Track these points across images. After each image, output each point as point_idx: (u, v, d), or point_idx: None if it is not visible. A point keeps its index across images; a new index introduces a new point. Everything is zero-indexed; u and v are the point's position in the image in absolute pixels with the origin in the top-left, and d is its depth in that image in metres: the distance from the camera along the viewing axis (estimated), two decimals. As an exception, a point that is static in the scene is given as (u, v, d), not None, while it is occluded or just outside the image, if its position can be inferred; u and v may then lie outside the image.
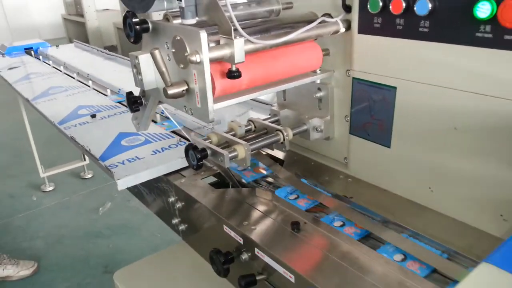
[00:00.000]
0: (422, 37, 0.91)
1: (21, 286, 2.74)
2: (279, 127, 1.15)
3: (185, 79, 0.93)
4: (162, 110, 1.71)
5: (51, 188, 3.85)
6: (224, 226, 1.04)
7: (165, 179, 1.30)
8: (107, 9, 8.11)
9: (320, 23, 1.05)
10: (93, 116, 1.83)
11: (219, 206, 1.11)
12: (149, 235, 3.13)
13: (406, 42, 0.95)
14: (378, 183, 1.15)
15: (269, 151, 1.38)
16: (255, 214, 1.06)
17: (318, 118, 1.21)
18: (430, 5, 0.87)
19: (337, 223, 1.01)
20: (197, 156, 1.05)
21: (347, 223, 1.00)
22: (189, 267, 1.28)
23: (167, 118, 1.66)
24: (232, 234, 1.02)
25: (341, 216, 1.02)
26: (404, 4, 0.91)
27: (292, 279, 0.86)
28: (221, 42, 0.90)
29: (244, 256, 0.98)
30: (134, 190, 1.54)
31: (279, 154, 1.38)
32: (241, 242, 0.99)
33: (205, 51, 0.85)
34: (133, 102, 1.14)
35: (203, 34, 0.84)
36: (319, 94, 1.21)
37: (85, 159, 3.86)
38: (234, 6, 1.03)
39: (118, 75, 2.56)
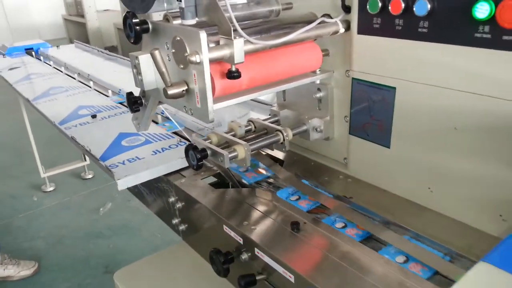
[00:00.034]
0: (421, 37, 0.91)
1: (22, 286, 2.74)
2: (279, 127, 1.16)
3: (185, 80, 0.94)
4: (162, 111, 1.71)
5: (51, 189, 3.85)
6: (224, 226, 1.04)
7: (165, 179, 1.30)
8: (107, 10, 8.12)
9: (319, 23, 1.06)
10: (94, 116, 1.83)
11: (219, 206, 1.11)
12: (149, 235, 3.14)
13: (405, 43, 0.95)
14: (377, 183, 1.15)
15: (269, 152, 1.39)
16: (255, 214, 1.06)
17: (317, 119, 1.22)
18: (429, 6, 0.87)
19: (338, 225, 1.00)
20: (197, 156, 1.05)
21: (348, 224, 1.00)
22: (189, 267, 1.29)
23: (168, 119, 1.66)
24: (232, 234, 1.02)
25: (343, 217, 1.03)
26: (403, 5, 0.91)
27: (292, 279, 0.86)
28: (221, 42, 0.90)
29: (244, 256, 0.99)
30: (135, 190, 1.54)
31: (279, 154, 1.38)
32: (241, 242, 1.00)
33: (204, 51, 0.85)
34: (133, 103, 1.14)
35: (203, 35, 0.84)
36: (318, 95, 1.21)
37: (85, 160, 3.87)
38: (234, 6, 1.04)
39: (119, 76, 2.56)
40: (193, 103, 0.94)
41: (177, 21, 0.94)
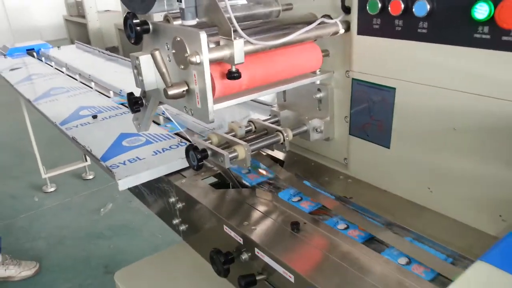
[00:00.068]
0: (421, 38, 0.92)
1: (23, 286, 2.74)
2: (279, 127, 1.16)
3: (185, 80, 0.94)
4: (163, 111, 1.72)
5: (52, 189, 3.86)
6: (224, 226, 1.05)
7: (166, 180, 1.31)
8: (108, 10, 8.14)
9: (319, 24, 1.06)
10: (95, 116, 1.84)
11: (220, 206, 1.11)
12: (150, 235, 3.14)
13: (405, 43, 0.95)
14: (378, 184, 1.15)
15: (270, 152, 1.39)
16: (255, 214, 1.06)
17: (318, 119, 1.22)
18: (428, 6, 0.87)
19: (341, 226, 1.00)
20: (197, 156, 1.05)
21: (351, 226, 1.00)
22: (190, 267, 1.29)
23: (170, 120, 1.66)
24: (232, 234, 1.02)
25: (345, 219, 1.02)
26: (402, 5, 0.92)
27: (292, 279, 0.86)
28: (221, 43, 0.90)
29: (244, 256, 0.99)
30: (135, 191, 1.55)
31: (279, 154, 1.38)
32: (241, 242, 1.00)
33: (205, 52, 0.86)
34: (134, 103, 1.15)
35: (203, 35, 0.85)
36: (319, 95, 1.21)
37: (86, 160, 3.87)
38: (234, 7, 1.04)
39: (120, 76, 2.57)
40: (193, 103, 0.95)
41: (178, 22, 0.95)
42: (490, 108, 0.84)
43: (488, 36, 0.80)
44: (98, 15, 7.84)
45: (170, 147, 1.46)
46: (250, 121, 1.24)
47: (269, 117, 1.33)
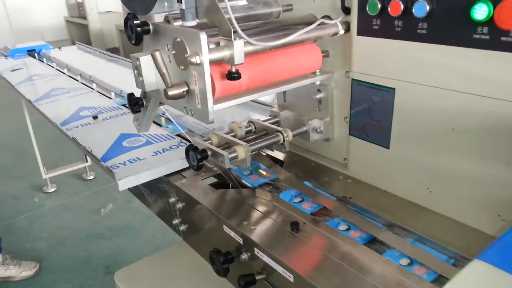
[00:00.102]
0: (420, 38, 0.92)
1: (23, 286, 2.75)
2: (279, 128, 1.16)
3: (186, 80, 0.94)
4: (163, 112, 1.72)
5: (53, 190, 3.86)
6: (224, 226, 1.05)
7: (165, 180, 1.31)
8: (109, 11, 8.15)
9: (319, 25, 1.06)
10: (95, 117, 1.84)
11: (219, 206, 1.11)
12: (150, 236, 3.14)
13: (404, 44, 0.96)
14: (377, 184, 1.15)
15: (269, 152, 1.39)
16: (255, 214, 1.07)
17: (317, 119, 1.22)
18: (428, 7, 0.87)
19: (342, 227, 1.00)
20: (197, 157, 1.06)
21: (352, 227, 1.00)
22: (190, 267, 1.29)
23: (171, 121, 1.66)
24: (232, 234, 1.02)
25: (346, 220, 1.03)
26: (402, 6, 0.92)
27: (291, 279, 0.87)
28: (221, 43, 0.90)
29: (244, 256, 0.99)
30: (135, 191, 1.55)
31: (279, 155, 1.39)
32: (241, 242, 1.00)
33: (205, 52, 0.86)
34: (134, 104, 1.15)
35: (203, 36, 0.85)
36: (318, 96, 1.22)
37: (87, 161, 3.88)
38: (234, 8, 1.04)
39: (120, 77, 2.57)
40: (194, 104, 0.95)
41: (178, 23, 0.95)
42: (489, 109, 0.85)
43: (487, 37, 0.80)
44: (99, 16, 7.86)
45: (170, 147, 1.47)
46: (250, 121, 1.24)
47: (269, 117, 1.33)
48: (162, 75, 0.95)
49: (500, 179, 0.87)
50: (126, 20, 0.96)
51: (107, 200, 3.62)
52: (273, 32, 1.02)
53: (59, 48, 3.76)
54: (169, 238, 2.95)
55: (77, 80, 2.62)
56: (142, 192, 1.50)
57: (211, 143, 1.11)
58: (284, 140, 1.14)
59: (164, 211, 1.40)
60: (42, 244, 3.15)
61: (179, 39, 0.91)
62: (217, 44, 0.91)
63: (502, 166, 0.86)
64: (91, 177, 4.03)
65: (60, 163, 3.92)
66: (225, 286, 1.09)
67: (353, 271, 0.84)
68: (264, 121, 1.25)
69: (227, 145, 1.10)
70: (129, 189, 1.36)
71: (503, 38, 0.78)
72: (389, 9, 0.95)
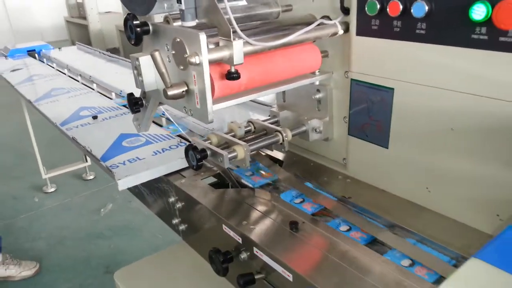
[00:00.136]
0: (419, 39, 0.92)
1: (23, 286, 2.75)
2: (278, 128, 1.16)
3: (185, 81, 0.95)
4: (163, 112, 1.72)
5: (53, 190, 3.86)
6: (224, 226, 1.05)
7: (165, 180, 1.31)
8: (109, 12, 8.16)
9: (318, 25, 1.06)
10: (95, 117, 1.84)
11: (219, 206, 1.12)
12: (150, 236, 3.14)
13: (403, 44, 0.96)
14: (376, 184, 1.15)
15: (269, 152, 1.39)
16: (254, 214, 1.07)
17: (317, 119, 1.22)
18: (426, 8, 0.88)
19: (343, 228, 1.00)
20: (197, 156, 1.06)
21: (353, 227, 1.00)
22: (189, 267, 1.29)
23: (171, 121, 1.67)
24: (231, 233, 1.03)
25: (347, 220, 1.03)
26: (401, 7, 0.92)
27: (290, 278, 0.87)
28: (220, 44, 0.91)
29: (243, 255, 0.99)
30: (135, 191, 1.55)
31: (279, 155, 1.39)
32: (240, 241, 1.00)
33: (204, 52, 0.86)
34: (134, 103, 1.15)
35: (203, 36, 0.85)
36: (318, 96, 1.22)
37: (86, 161, 3.88)
38: (233, 8, 1.05)
39: (120, 77, 2.58)
40: (193, 103, 0.95)
41: (177, 23, 0.95)
42: (488, 109, 0.85)
43: (485, 37, 0.81)
44: (99, 17, 7.86)
45: (170, 147, 1.47)
46: (249, 121, 1.24)
47: (269, 117, 1.34)
48: (161, 75, 0.96)
49: (499, 179, 0.87)
50: (126, 21, 0.97)
51: (107, 200, 3.62)
52: (273, 32, 1.02)
53: (59, 48, 3.76)
54: (169, 238, 2.95)
55: (77, 81, 2.62)
56: (142, 192, 1.50)
57: (210, 143, 1.11)
58: (283, 140, 1.14)
59: (163, 211, 1.40)
60: (42, 244, 3.15)
61: (178, 39, 0.91)
62: (217, 44, 0.91)
63: (501, 166, 0.86)
64: (91, 177, 4.04)
65: (60, 163, 3.92)
66: (225, 286, 1.09)
67: (352, 271, 0.85)
68: (263, 121, 1.26)
69: (227, 145, 1.10)
70: (129, 189, 1.36)
71: (502, 38, 0.78)
72: (388, 9, 0.95)
